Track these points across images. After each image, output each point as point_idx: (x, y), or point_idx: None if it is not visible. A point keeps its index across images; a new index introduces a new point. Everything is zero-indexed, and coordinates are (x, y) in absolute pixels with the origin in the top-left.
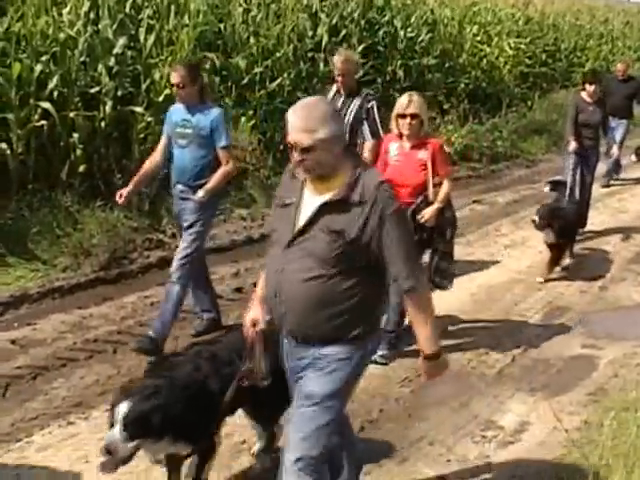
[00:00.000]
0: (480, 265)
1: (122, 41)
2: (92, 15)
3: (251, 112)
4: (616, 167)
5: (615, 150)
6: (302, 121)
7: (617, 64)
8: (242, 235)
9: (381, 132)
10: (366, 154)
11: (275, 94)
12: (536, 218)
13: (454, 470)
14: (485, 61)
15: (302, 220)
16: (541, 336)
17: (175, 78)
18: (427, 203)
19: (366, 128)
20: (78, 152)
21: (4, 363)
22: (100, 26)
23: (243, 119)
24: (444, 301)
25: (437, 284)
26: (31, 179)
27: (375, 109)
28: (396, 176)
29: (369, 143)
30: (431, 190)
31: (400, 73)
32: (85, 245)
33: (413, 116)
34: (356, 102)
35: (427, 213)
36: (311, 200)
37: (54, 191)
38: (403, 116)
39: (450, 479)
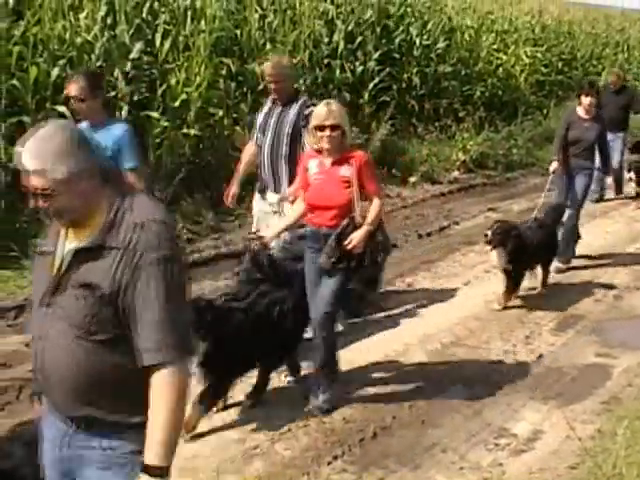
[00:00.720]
0: (495, 272)
1: (138, 46)
2: (109, 20)
3: None
4: (616, 185)
5: (616, 164)
6: (33, 159)
7: (609, 76)
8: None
9: None
10: None
11: None
12: (488, 232)
13: (467, 478)
14: (501, 69)
15: (55, 273)
16: (555, 344)
17: (73, 90)
18: (354, 226)
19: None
20: None
21: (18, 366)
22: (117, 31)
23: None
24: (458, 307)
25: (356, 312)
26: None
27: None
28: (317, 197)
29: None
30: (358, 211)
31: (416, 80)
32: None
33: (333, 127)
34: (294, 110)
35: (355, 238)
36: (67, 247)
37: None
38: (322, 128)
39: None
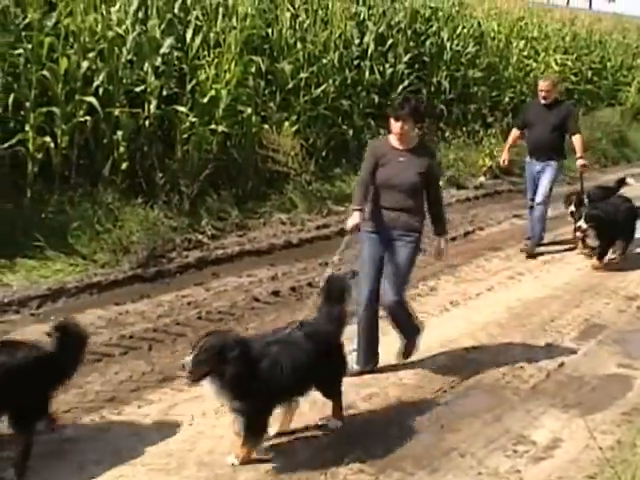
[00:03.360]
0: (518, 279)
1: (169, 41)
2: (140, 14)
3: (294, 117)
4: (541, 226)
5: (540, 200)
6: None
7: (540, 81)
8: (281, 239)
9: None
10: None
11: (319, 100)
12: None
13: None
14: (531, 76)
15: None
16: (577, 353)
17: None
18: None
19: None
20: (121, 149)
21: None
22: (148, 25)
23: (286, 124)
24: (481, 314)
25: None
26: (73, 174)
27: None
28: None
29: None
30: None
31: (445, 84)
32: (124, 242)
33: None
34: None
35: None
36: None
37: (96, 187)
38: None
39: None
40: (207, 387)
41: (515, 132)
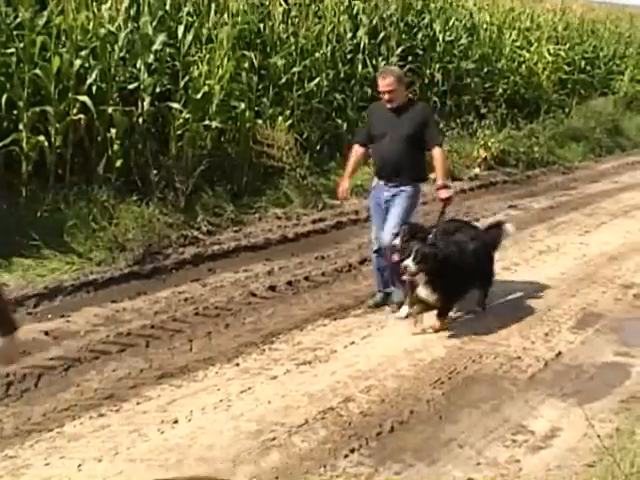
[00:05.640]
0: (514, 270)
1: (161, 38)
2: (132, 11)
3: (288, 112)
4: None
5: (386, 241)
6: None
7: (377, 76)
8: (277, 234)
9: None
10: None
11: (313, 94)
12: None
13: (483, 473)
14: (524, 66)
15: None
16: (574, 342)
17: None
18: None
19: None
20: (115, 147)
21: (37, 354)
22: (140, 22)
23: (280, 118)
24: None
25: None
26: (68, 172)
27: None
28: None
29: None
30: None
31: (438, 76)
32: (120, 239)
33: None
34: None
35: None
36: None
37: (90, 185)
38: None
39: None
40: None
41: (357, 150)
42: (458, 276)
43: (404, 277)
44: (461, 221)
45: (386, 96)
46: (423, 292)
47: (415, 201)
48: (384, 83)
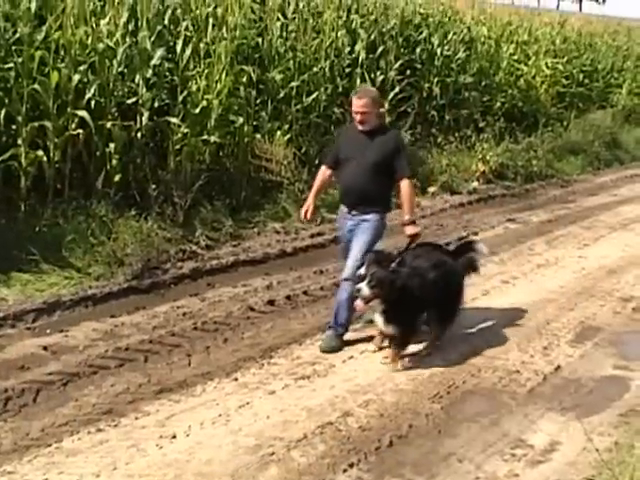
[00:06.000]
0: (513, 284)
1: (160, 53)
2: (131, 26)
3: (287, 126)
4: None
5: (348, 274)
6: None
7: (352, 96)
8: (275, 248)
9: None
10: None
11: (311, 109)
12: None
13: None
14: (522, 80)
15: None
16: (573, 356)
17: None
18: None
19: None
20: (114, 162)
21: (35, 369)
22: (138, 37)
23: (279, 133)
24: (476, 318)
25: None
26: (67, 187)
27: None
28: None
29: None
30: None
31: (436, 90)
32: (119, 254)
33: None
34: None
35: None
36: None
37: (89, 200)
38: None
39: None
40: None
41: (325, 172)
42: (417, 307)
43: (356, 302)
44: (432, 244)
45: (358, 117)
46: (379, 321)
47: (379, 232)
48: (359, 103)
